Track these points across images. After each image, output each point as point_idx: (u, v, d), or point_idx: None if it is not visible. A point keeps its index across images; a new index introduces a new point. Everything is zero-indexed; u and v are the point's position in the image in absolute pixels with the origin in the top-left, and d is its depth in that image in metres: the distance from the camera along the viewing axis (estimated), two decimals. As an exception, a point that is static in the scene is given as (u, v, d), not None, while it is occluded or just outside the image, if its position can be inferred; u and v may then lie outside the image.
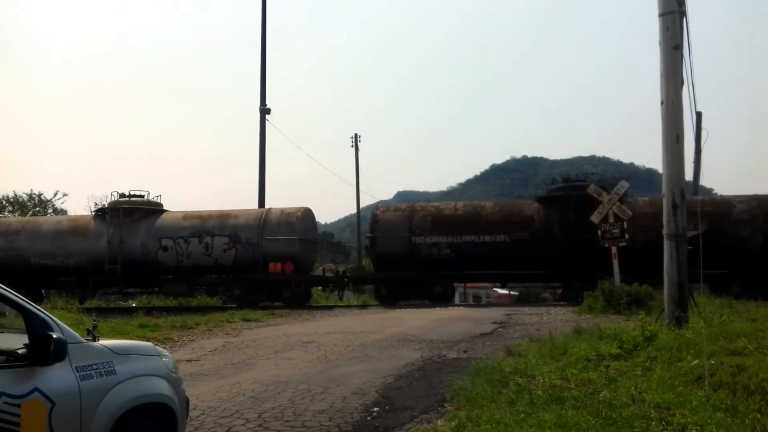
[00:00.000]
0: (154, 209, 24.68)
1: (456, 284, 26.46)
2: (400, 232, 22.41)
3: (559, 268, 21.74)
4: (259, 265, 22.32)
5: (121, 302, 28.69)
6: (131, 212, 24.08)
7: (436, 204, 23.31)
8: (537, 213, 21.98)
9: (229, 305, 22.59)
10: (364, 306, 23.54)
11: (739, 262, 19.41)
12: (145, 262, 23.33)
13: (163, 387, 4.39)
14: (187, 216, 24.09)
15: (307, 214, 23.64)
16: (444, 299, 22.04)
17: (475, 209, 22.82)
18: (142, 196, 24.86)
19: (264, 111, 32.77)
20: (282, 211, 23.49)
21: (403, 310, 19.27)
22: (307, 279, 23.05)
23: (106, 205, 25.49)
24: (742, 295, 19.23)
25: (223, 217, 23.69)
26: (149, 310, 18.64)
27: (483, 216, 22.25)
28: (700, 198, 21.68)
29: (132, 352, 4.34)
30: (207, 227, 23.13)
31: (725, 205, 20.90)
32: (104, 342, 4.18)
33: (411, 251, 22.12)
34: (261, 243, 22.42)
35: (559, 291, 24.69)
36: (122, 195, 24.59)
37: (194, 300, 24.77)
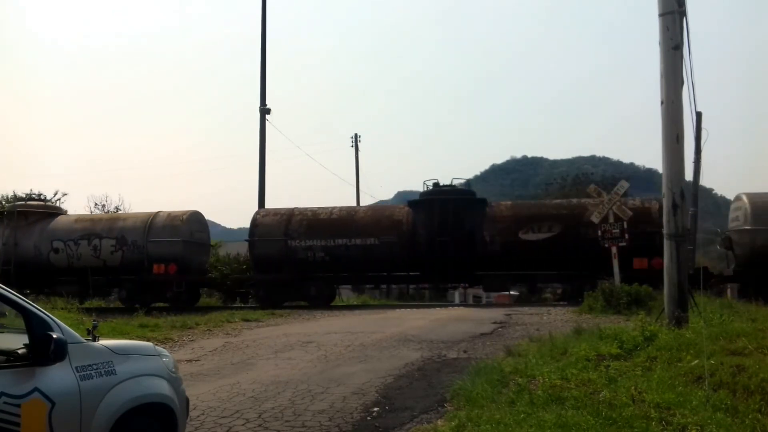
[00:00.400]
0: (50, 212, 25.81)
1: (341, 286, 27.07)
2: (277, 235, 23.13)
3: (424, 269, 22.60)
4: (144, 266, 23.07)
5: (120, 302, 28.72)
6: (27, 215, 24.98)
7: (314, 208, 23.98)
8: (406, 217, 22.72)
9: (227, 305, 22.69)
10: (364, 306, 23.56)
11: (589, 262, 20.10)
12: (38, 263, 24.13)
13: (163, 387, 4.39)
14: (79, 219, 25.32)
15: (194, 218, 24.45)
16: (321, 301, 22.44)
17: (349, 213, 23.61)
18: (42, 200, 26.13)
19: (264, 111, 32.75)
20: (169, 214, 24.36)
21: (402, 310, 19.29)
22: (189, 280, 23.44)
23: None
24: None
25: (113, 220, 25.19)
26: (149, 310, 18.69)
27: (356, 220, 23.01)
28: (556, 201, 22.92)
29: (132, 352, 4.34)
30: (96, 230, 24.06)
31: (577, 207, 21.79)
32: (104, 342, 4.18)
33: (287, 254, 22.82)
34: (146, 245, 23.27)
35: (560, 291, 24.81)
36: (20, 198, 25.74)
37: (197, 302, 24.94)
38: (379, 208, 25.25)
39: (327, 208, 23.80)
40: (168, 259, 22.73)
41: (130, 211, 31.82)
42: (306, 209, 23.94)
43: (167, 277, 22.58)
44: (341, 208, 23.80)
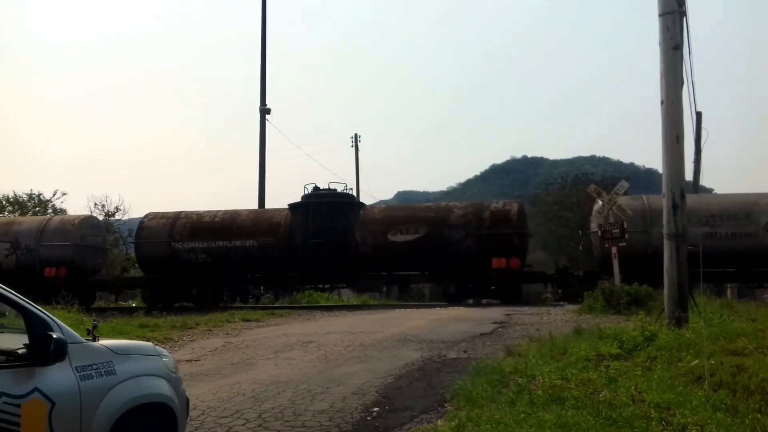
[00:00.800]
0: None
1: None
2: (161, 238, 23.93)
3: (301, 270, 23.26)
4: (36, 269, 23.78)
5: (121, 302, 28.79)
6: None
7: (200, 212, 24.77)
8: (284, 220, 23.44)
9: (232, 305, 22.79)
10: (364, 306, 23.58)
11: (450, 263, 21.21)
12: None
13: (163, 387, 4.39)
14: None
15: (87, 222, 25.53)
16: (205, 301, 22.84)
17: (231, 216, 24.30)
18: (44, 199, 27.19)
19: (264, 111, 32.78)
20: (62, 219, 25.75)
21: (402, 310, 19.29)
22: (79, 282, 23.78)
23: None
24: (457, 295, 21.68)
25: (8, 224, 26.11)
26: (149, 310, 18.71)
27: (237, 223, 23.77)
28: (426, 204, 23.87)
29: (132, 352, 4.34)
30: None
31: (444, 210, 22.61)
32: (104, 342, 4.18)
33: (171, 256, 23.61)
34: (38, 249, 24.05)
35: (560, 291, 24.91)
36: None
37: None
38: (260, 211, 26.05)
39: (212, 211, 24.70)
40: (59, 263, 23.60)
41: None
42: (192, 213, 24.84)
43: (57, 280, 23.08)
44: (225, 212, 24.65)
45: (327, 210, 22.72)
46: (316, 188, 23.93)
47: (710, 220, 20.71)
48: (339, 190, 24.28)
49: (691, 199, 23.15)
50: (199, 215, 24.38)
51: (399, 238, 21.81)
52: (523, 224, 21.98)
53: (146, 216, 25.39)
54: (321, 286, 24.90)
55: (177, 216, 24.49)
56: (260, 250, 22.87)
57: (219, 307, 22.00)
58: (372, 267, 22.82)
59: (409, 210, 23.54)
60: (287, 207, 24.02)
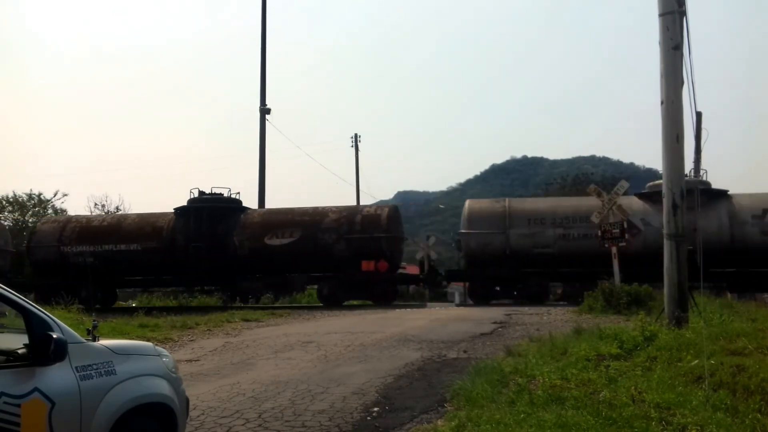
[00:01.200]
0: None
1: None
2: (52, 242, 24.74)
3: (183, 273, 23.96)
4: None
5: (121, 302, 28.82)
6: None
7: (91, 216, 25.83)
8: (168, 224, 24.24)
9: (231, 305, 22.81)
10: (364, 306, 23.58)
11: (325, 265, 22.10)
12: None
13: (163, 387, 4.39)
14: None
15: None
16: (92, 303, 23.07)
17: (118, 221, 25.41)
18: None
19: (264, 111, 32.80)
20: None
21: (402, 310, 19.29)
22: None
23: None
24: (330, 296, 22.34)
25: None
26: (149, 310, 18.72)
27: (123, 227, 24.68)
28: (303, 208, 24.40)
29: (132, 352, 4.34)
30: None
31: (319, 214, 23.37)
32: (104, 342, 4.18)
33: (62, 259, 24.47)
34: None
35: (559, 291, 25.02)
36: None
37: (194, 300, 25.28)
38: (147, 215, 26.84)
39: (101, 216, 25.97)
40: None
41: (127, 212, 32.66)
42: (83, 217, 25.75)
43: None
44: (114, 216, 25.77)
45: (208, 215, 23.60)
46: (201, 193, 24.68)
47: (564, 222, 21.62)
48: (225, 195, 24.95)
49: (547, 201, 24.55)
50: (89, 219, 25.43)
51: (275, 241, 22.68)
52: (393, 228, 22.73)
53: (40, 220, 26.64)
54: (201, 288, 25.77)
55: (68, 220, 25.57)
56: (143, 253, 23.71)
57: (113, 309, 22.31)
58: (251, 270, 23.61)
59: (287, 214, 24.22)
60: (173, 211, 24.80)
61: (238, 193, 25.17)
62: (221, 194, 24.71)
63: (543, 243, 21.57)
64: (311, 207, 23.98)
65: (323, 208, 23.79)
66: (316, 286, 24.15)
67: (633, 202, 21.62)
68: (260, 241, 22.67)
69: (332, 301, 22.08)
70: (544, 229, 21.61)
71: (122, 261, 23.69)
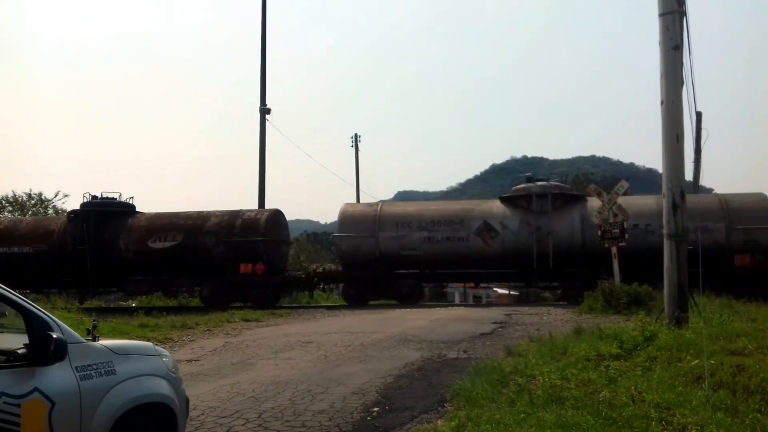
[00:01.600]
0: None
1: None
2: None
3: (72, 276, 24.21)
4: None
5: (121, 302, 28.82)
6: None
7: None
8: (60, 227, 24.85)
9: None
10: (363, 306, 23.60)
11: (207, 268, 22.65)
12: None
13: (163, 387, 4.39)
14: None
15: None
16: None
17: (14, 223, 26.13)
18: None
19: (264, 111, 32.74)
20: None
21: (402, 310, 19.28)
22: None
23: None
24: (211, 297, 22.88)
25: None
26: (149, 310, 18.72)
27: (18, 229, 25.26)
28: (179, 212, 25.01)
29: (132, 352, 4.34)
30: None
31: (201, 218, 23.90)
32: (104, 342, 4.18)
33: None
34: None
35: (559, 291, 25.07)
36: None
37: (194, 300, 25.32)
38: (42, 218, 27.10)
39: (3, 218, 26.36)
40: None
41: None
42: None
43: None
44: (10, 219, 26.29)
45: (95, 218, 23.93)
46: (93, 197, 25.18)
47: (429, 225, 22.48)
48: (117, 200, 25.50)
49: (415, 206, 25.25)
50: None
51: (158, 245, 23.37)
52: (272, 232, 23.45)
53: None
54: (90, 290, 26.00)
55: None
56: (35, 256, 24.16)
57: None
58: (137, 272, 24.17)
59: (171, 218, 24.73)
60: (66, 214, 25.27)
61: (132, 197, 26.07)
62: (114, 199, 25.48)
63: (410, 246, 22.47)
64: (196, 211, 24.75)
65: (207, 212, 24.64)
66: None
67: (494, 206, 22.75)
68: (145, 245, 23.48)
69: (214, 302, 22.62)
70: (410, 233, 22.57)
71: (15, 263, 24.13)
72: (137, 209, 25.65)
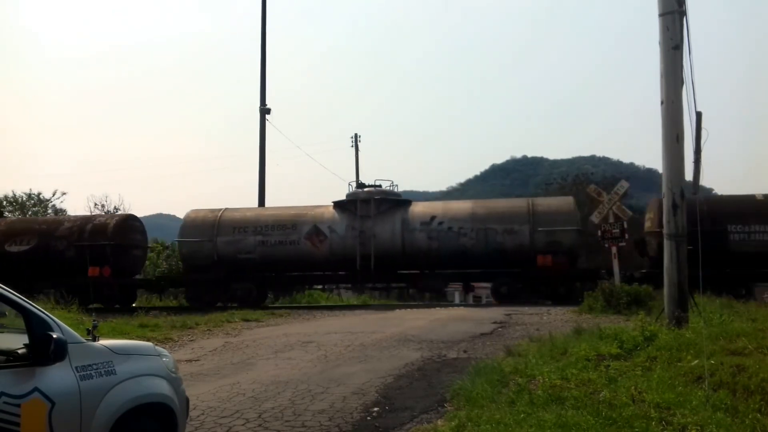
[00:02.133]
0: None
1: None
2: None
3: None
4: None
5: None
6: None
7: None
8: None
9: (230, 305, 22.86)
10: (364, 306, 23.64)
11: (59, 273, 23.14)
12: None
13: (163, 387, 4.39)
14: None
15: None
16: None
17: None
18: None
19: (264, 111, 32.75)
20: None
21: (402, 310, 19.29)
22: None
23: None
24: (64, 299, 22.60)
25: None
26: (149, 310, 18.73)
27: None
28: (39, 218, 26.08)
29: (132, 352, 4.34)
30: None
31: (56, 223, 24.94)
32: (104, 342, 4.18)
33: None
34: None
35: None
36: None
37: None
38: None
39: None
40: None
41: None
42: None
43: None
44: None
45: None
46: None
47: (264, 230, 23.32)
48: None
49: (253, 211, 25.82)
50: None
51: (14, 248, 24.10)
52: (120, 237, 24.16)
53: None
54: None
55: None
56: None
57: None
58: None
59: (27, 223, 25.59)
60: None
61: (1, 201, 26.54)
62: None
63: (246, 249, 23.27)
64: (51, 216, 25.42)
65: (62, 217, 25.35)
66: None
67: (326, 212, 23.37)
68: (2, 248, 24.18)
69: (65, 303, 23.08)
70: (246, 237, 23.43)
71: None
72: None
